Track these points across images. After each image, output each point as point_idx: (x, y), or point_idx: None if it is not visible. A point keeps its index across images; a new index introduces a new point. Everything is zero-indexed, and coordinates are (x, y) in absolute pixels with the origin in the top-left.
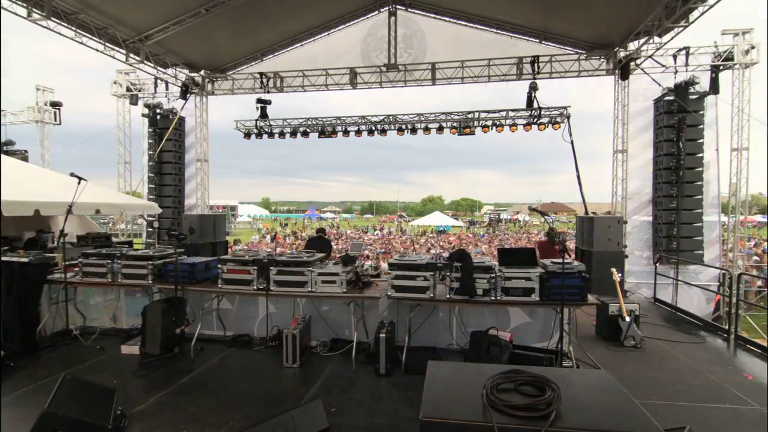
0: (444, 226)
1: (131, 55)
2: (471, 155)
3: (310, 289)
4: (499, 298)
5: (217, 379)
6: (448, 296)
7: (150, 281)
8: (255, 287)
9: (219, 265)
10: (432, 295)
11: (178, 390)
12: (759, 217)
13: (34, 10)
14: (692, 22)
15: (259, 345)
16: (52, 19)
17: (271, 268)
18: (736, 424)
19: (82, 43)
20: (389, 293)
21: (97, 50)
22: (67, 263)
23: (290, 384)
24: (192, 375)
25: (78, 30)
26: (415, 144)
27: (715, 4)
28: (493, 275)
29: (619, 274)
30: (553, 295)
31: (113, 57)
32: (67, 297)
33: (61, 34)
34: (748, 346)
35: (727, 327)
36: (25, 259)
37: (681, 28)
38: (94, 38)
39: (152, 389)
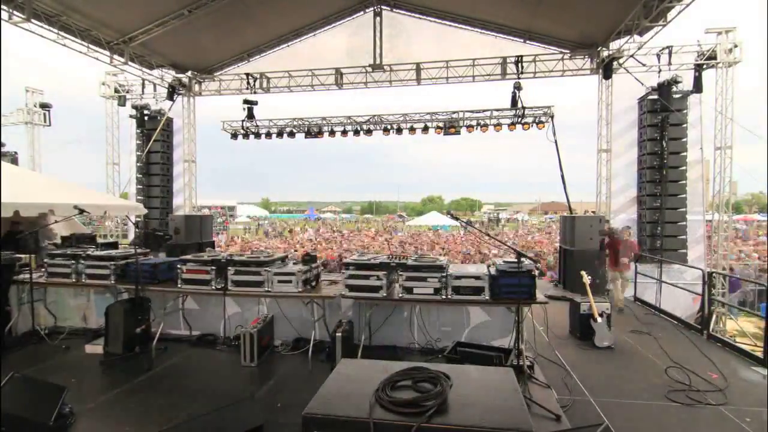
0: (441, 225)
1: (115, 56)
2: (471, 154)
3: (266, 288)
4: (449, 297)
5: (172, 378)
6: (400, 295)
7: (112, 281)
8: (213, 287)
9: (179, 266)
10: (385, 294)
11: (131, 389)
12: (759, 216)
13: (14, 12)
14: (670, 21)
15: (223, 344)
16: (33, 21)
17: (229, 268)
18: (690, 422)
19: (65, 45)
20: (343, 292)
21: (80, 52)
22: (40, 264)
23: (243, 383)
24: (149, 374)
25: (60, 32)
26: (413, 144)
27: (691, 2)
28: (444, 274)
29: (590, 276)
30: (503, 293)
31: (97, 59)
32: (33, 297)
33: (43, 36)
34: (719, 345)
35: (709, 327)
36: None
37: (660, 27)
38: (77, 40)
39: (107, 388)
